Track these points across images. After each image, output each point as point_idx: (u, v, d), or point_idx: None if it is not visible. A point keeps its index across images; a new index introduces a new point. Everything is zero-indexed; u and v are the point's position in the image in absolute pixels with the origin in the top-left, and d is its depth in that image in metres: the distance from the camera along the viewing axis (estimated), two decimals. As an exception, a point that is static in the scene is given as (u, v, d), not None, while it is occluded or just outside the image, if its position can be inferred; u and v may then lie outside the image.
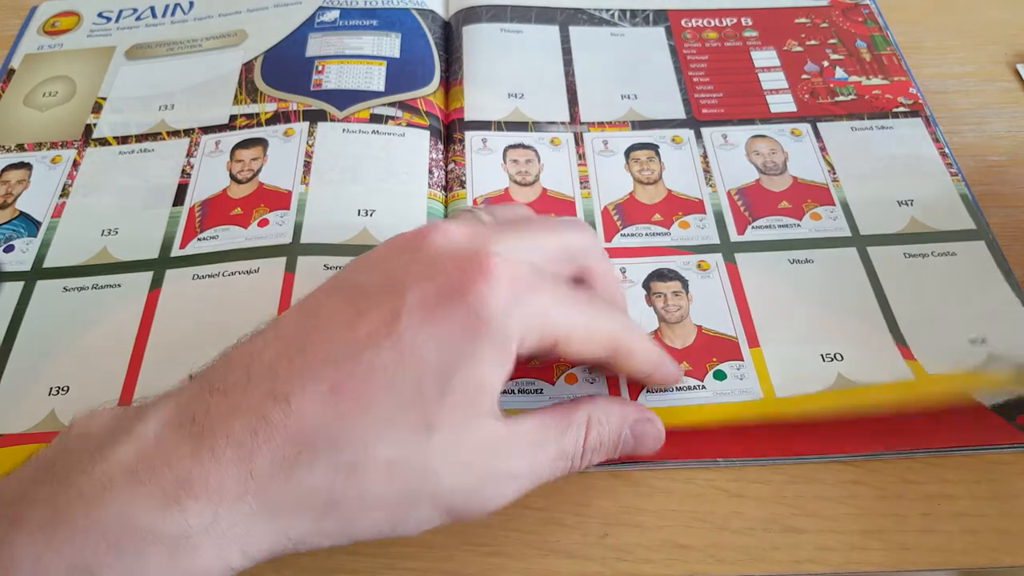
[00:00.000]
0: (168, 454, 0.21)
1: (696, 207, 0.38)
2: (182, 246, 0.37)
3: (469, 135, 0.41)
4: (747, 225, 0.37)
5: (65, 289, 0.36)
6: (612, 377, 0.32)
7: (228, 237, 0.37)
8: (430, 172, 0.40)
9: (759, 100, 0.43)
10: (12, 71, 0.46)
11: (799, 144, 0.41)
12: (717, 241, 0.37)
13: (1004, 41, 0.46)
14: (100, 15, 0.49)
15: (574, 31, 0.47)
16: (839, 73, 0.44)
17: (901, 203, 0.38)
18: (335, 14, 0.47)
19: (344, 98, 0.42)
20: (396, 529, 0.23)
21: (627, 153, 0.41)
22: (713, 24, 0.48)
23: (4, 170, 0.41)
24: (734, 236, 0.37)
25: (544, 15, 0.48)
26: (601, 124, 0.42)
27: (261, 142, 0.41)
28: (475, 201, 0.38)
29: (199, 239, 0.37)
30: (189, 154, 0.41)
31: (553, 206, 0.38)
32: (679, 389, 0.32)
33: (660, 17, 0.48)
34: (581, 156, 0.40)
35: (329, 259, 0.36)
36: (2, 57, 0.47)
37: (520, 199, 0.38)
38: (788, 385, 0.32)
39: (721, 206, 0.38)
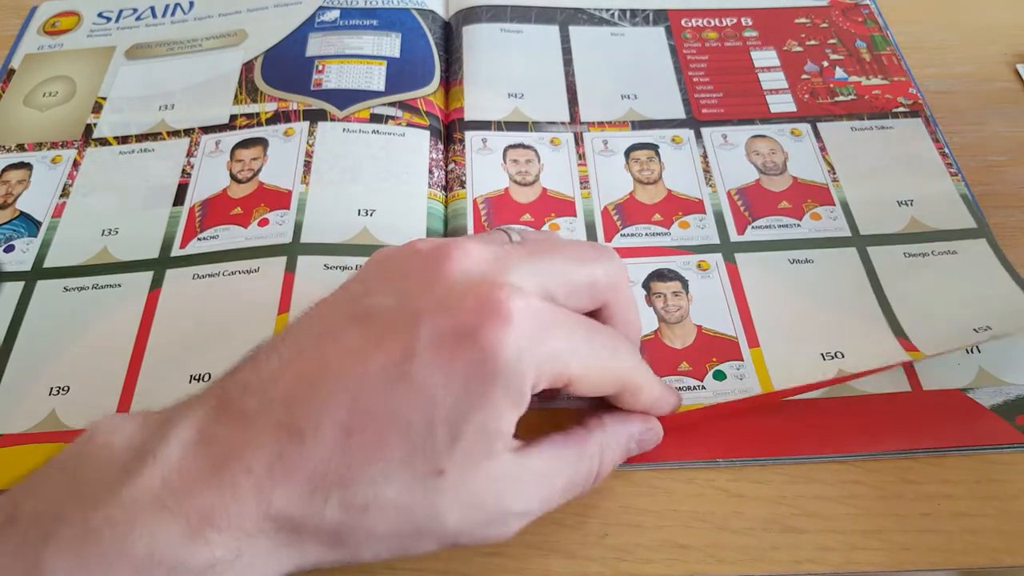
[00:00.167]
0: (191, 484, 0.21)
1: (696, 207, 0.38)
2: (182, 246, 0.37)
3: (469, 135, 0.41)
4: (747, 225, 0.37)
5: (65, 289, 0.36)
6: None
7: (228, 237, 0.37)
8: (430, 172, 0.40)
9: (759, 100, 0.43)
10: (12, 71, 0.46)
11: (799, 144, 0.41)
12: (717, 241, 0.37)
13: (1004, 41, 0.46)
14: (100, 15, 0.49)
15: (574, 31, 0.47)
16: (839, 73, 0.44)
17: (901, 203, 0.38)
18: (335, 14, 0.47)
19: (344, 98, 0.42)
20: (402, 555, 0.24)
21: (627, 153, 0.41)
22: (713, 24, 0.48)
23: (4, 170, 0.41)
24: (734, 236, 0.37)
25: (544, 15, 0.48)
26: (601, 124, 0.42)
27: (261, 142, 0.41)
28: (475, 201, 0.38)
29: (199, 239, 0.37)
30: (189, 154, 0.41)
31: (553, 206, 0.38)
32: (679, 389, 0.32)
33: (660, 17, 0.48)
34: (581, 156, 0.40)
35: (329, 259, 0.36)
36: (2, 57, 0.47)
37: (520, 199, 0.38)
38: (788, 383, 0.32)
39: (721, 206, 0.38)
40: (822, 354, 0.33)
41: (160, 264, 0.36)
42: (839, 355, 0.32)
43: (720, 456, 0.30)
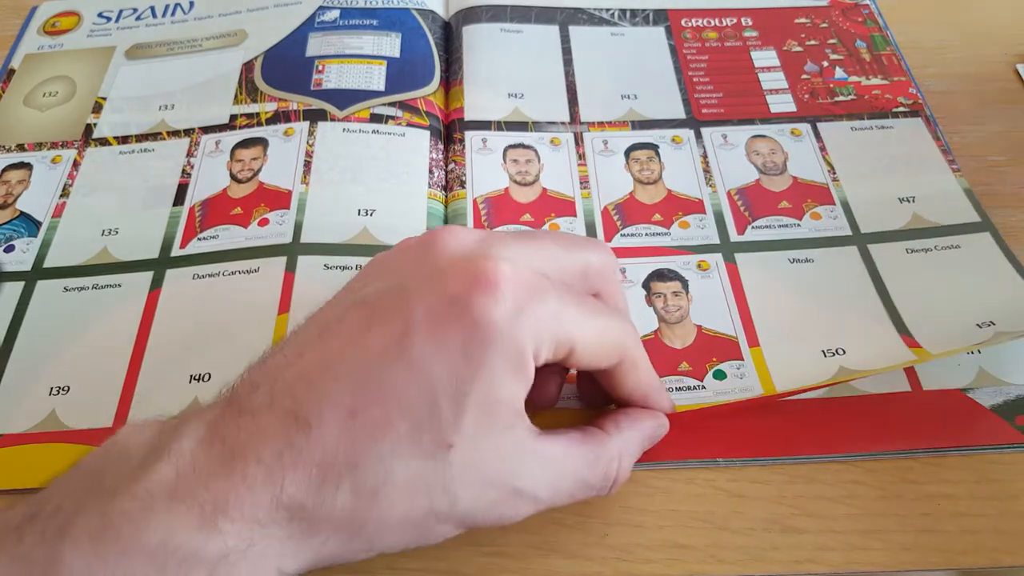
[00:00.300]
0: (203, 476, 0.22)
1: (696, 207, 0.38)
2: (182, 246, 0.37)
3: (469, 135, 0.41)
4: (747, 225, 0.37)
5: (65, 289, 0.36)
6: None
7: (228, 237, 0.37)
8: (430, 172, 0.40)
9: (759, 100, 0.43)
10: (12, 71, 0.46)
11: (799, 144, 0.41)
12: (717, 241, 0.37)
13: (1004, 41, 0.46)
14: (100, 15, 0.49)
15: (574, 31, 0.47)
16: (839, 73, 0.44)
17: (902, 200, 0.38)
18: (335, 14, 0.47)
19: (344, 98, 0.42)
20: (419, 542, 0.24)
21: (627, 153, 0.41)
22: (713, 24, 0.48)
23: (4, 170, 0.41)
24: (734, 236, 0.37)
25: (544, 15, 0.48)
26: (601, 124, 0.42)
27: (261, 142, 0.41)
28: (475, 201, 0.38)
29: (199, 239, 0.37)
30: (189, 154, 0.41)
31: (553, 206, 0.38)
32: (679, 389, 0.32)
33: (660, 17, 0.48)
34: (581, 156, 0.40)
35: (329, 259, 0.36)
36: (2, 57, 0.47)
37: (520, 199, 0.38)
38: (789, 382, 0.32)
39: (721, 206, 0.38)
40: (823, 351, 0.33)
41: (160, 264, 0.36)
42: (840, 351, 0.32)
43: (720, 456, 0.30)
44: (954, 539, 0.28)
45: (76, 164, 0.41)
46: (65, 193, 0.39)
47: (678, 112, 0.43)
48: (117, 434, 0.24)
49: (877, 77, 0.44)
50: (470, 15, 0.47)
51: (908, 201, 0.38)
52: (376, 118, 0.42)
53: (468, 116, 0.42)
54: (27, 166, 0.41)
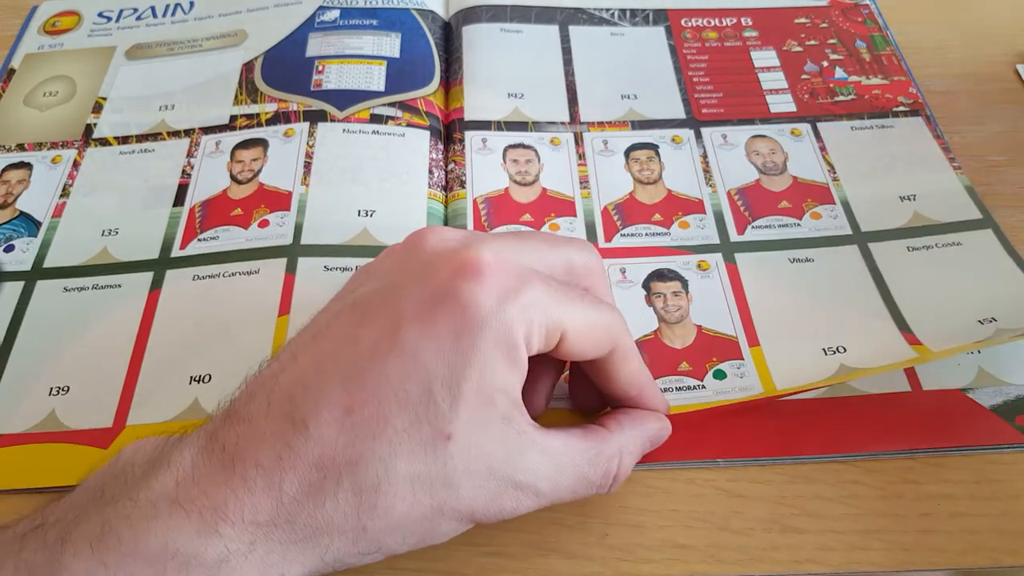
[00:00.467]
0: (203, 482, 0.22)
1: (696, 207, 0.38)
2: (182, 247, 0.37)
3: (469, 135, 0.41)
4: (747, 225, 0.37)
5: (65, 289, 0.36)
6: None
7: (228, 238, 0.37)
8: (430, 172, 0.40)
9: (759, 100, 0.43)
10: (12, 71, 0.46)
11: (799, 144, 0.41)
12: (717, 241, 0.37)
13: (1004, 41, 0.46)
14: (100, 15, 0.49)
15: (574, 31, 0.47)
16: (839, 73, 0.44)
17: (903, 198, 0.38)
18: (335, 14, 0.47)
19: (344, 98, 0.42)
20: (426, 541, 0.24)
21: (627, 153, 0.41)
22: (713, 24, 0.48)
23: (4, 170, 0.41)
24: (734, 236, 0.37)
25: (544, 15, 0.48)
26: (601, 124, 0.42)
27: (261, 142, 0.41)
28: (475, 201, 0.38)
29: (199, 239, 0.37)
30: (189, 154, 0.41)
31: (553, 206, 0.38)
32: (679, 389, 0.32)
33: (660, 17, 0.48)
34: (581, 156, 0.40)
35: (329, 260, 0.36)
36: (2, 57, 0.47)
37: (520, 199, 0.38)
38: (789, 381, 0.32)
39: (721, 206, 0.38)
40: (823, 349, 0.33)
41: (160, 265, 0.36)
42: (841, 349, 0.32)
43: (720, 456, 0.30)
44: (954, 539, 0.28)
45: (76, 164, 0.41)
46: (65, 193, 0.39)
47: (678, 112, 0.43)
48: (122, 451, 0.24)
49: (877, 77, 0.44)
50: (470, 15, 0.47)
51: (909, 199, 0.38)
52: (376, 118, 0.42)
53: (468, 116, 0.42)
54: (27, 166, 0.41)
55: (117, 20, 0.49)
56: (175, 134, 0.42)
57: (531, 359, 0.24)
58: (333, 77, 0.44)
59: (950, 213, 0.37)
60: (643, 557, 0.28)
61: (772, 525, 0.28)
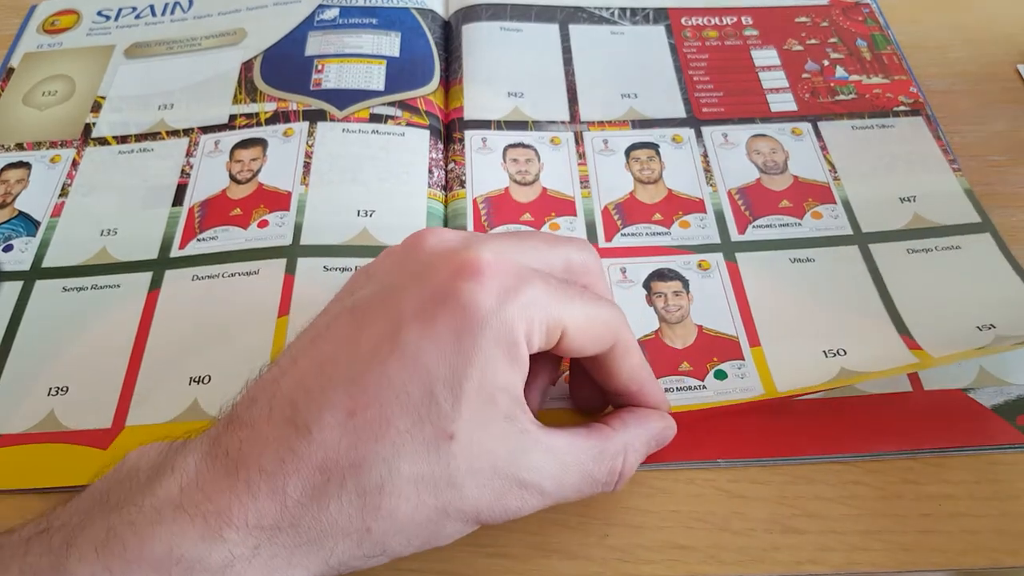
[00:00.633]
0: (207, 487, 0.22)
1: (696, 206, 0.38)
2: (181, 247, 0.37)
3: (469, 134, 0.41)
4: (748, 224, 0.37)
5: (64, 289, 0.36)
6: None
7: (228, 238, 0.37)
8: (430, 172, 0.40)
9: (759, 99, 0.43)
10: (11, 70, 0.46)
11: (800, 143, 0.41)
12: (718, 241, 0.37)
13: (1005, 41, 0.46)
14: (99, 13, 0.49)
15: (574, 29, 0.47)
16: (839, 72, 0.44)
17: (903, 199, 0.38)
18: (335, 12, 0.47)
19: (344, 98, 0.42)
20: (431, 543, 0.24)
21: (627, 152, 0.41)
22: (713, 23, 0.47)
23: (3, 169, 0.41)
24: (735, 235, 0.37)
25: (544, 13, 0.47)
26: (601, 123, 0.42)
27: (261, 142, 0.41)
28: (475, 201, 0.38)
29: (198, 239, 0.37)
30: (188, 154, 0.41)
31: (553, 206, 0.38)
32: (680, 389, 0.32)
33: (660, 15, 0.48)
34: (581, 155, 0.40)
35: (329, 260, 0.36)
36: (1, 56, 0.47)
37: (520, 198, 0.38)
38: (790, 381, 0.32)
39: (722, 205, 0.38)
40: (824, 351, 0.32)
41: (159, 265, 0.36)
42: (841, 352, 0.32)
43: (720, 456, 0.30)
44: (955, 539, 0.28)
45: (75, 163, 0.41)
46: (64, 193, 0.39)
47: (678, 111, 0.43)
48: (126, 457, 0.24)
49: (878, 76, 0.44)
50: (470, 14, 0.47)
51: (909, 201, 0.38)
52: (376, 118, 0.41)
53: (468, 115, 0.42)
54: (26, 165, 0.41)
55: (116, 19, 0.48)
56: (174, 133, 0.42)
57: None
58: (332, 76, 0.44)
59: (949, 216, 0.37)
60: (644, 558, 0.28)
61: (773, 526, 0.28)
